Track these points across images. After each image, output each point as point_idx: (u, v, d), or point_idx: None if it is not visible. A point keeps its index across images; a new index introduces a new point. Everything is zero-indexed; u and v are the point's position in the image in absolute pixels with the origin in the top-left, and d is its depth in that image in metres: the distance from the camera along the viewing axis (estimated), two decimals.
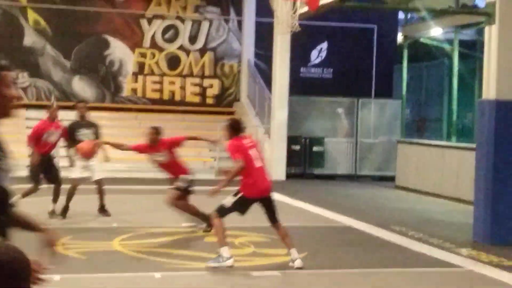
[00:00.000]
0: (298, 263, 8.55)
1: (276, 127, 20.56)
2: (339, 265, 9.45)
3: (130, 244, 10.02)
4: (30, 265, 2.31)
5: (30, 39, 22.26)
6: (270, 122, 20.85)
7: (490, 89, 11.26)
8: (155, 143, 11.20)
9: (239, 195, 8.82)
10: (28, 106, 21.58)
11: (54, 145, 12.80)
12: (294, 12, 13.00)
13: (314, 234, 11.83)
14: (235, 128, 9.90)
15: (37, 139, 12.43)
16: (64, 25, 22.32)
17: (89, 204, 14.14)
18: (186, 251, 9.62)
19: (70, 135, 12.68)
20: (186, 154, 20.50)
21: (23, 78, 22.17)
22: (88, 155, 12.01)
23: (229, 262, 8.52)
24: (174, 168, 11.15)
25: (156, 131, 11.51)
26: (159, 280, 8.16)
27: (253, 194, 8.85)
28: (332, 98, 22.41)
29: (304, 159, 21.31)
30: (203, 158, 20.83)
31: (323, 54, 24.41)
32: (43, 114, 20.53)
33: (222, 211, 8.83)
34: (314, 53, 24.30)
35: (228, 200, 8.86)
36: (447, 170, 17.09)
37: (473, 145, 13.45)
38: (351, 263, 9.60)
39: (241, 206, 8.86)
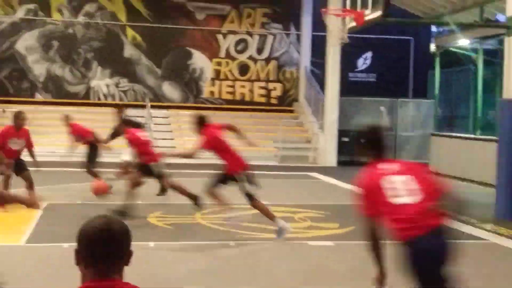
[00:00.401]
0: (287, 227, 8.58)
1: (328, 123, 20.49)
2: (382, 236, 9.35)
3: (209, 217, 10.10)
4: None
5: (128, 51, 22.60)
6: (324, 118, 20.76)
7: (509, 90, 11.05)
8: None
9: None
10: (127, 106, 21.94)
11: (19, 153, 10.49)
12: (344, 27, 12.90)
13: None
14: (203, 121, 9.24)
15: (3, 144, 10.21)
16: (155, 40, 22.58)
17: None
18: (254, 224, 9.65)
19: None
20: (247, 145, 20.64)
21: (124, 83, 22.54)
22: (100, 192, 10.91)
23: (288, 226, 8.54)
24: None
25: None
26: (233, 247, 8.21)
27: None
28: (375, 98, 22.22)
29: (352, 149, 21.16)
30: (269, 148, 20.85)
31: (368, 61, 24.20)
32: (140, 112, 20.97)
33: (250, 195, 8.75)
34: (360, 61, 24.10)
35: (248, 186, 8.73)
36: (473, 158, 16.81)
37: (495, 138, 13.20)
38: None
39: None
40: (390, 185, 4.12)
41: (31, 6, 21.98)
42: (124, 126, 11.09)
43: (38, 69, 22.05)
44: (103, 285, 2.15)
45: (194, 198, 10.00)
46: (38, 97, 22.01)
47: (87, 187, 13.23)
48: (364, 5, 11.85)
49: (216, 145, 9.00)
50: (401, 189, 4.10)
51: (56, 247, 7.68)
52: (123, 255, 2.23)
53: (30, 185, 10.41)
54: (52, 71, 22.13)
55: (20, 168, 10.38)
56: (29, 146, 10.62)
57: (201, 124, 9.23)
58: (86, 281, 2.19)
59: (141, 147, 10.28)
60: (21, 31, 21.92)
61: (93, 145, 12.73)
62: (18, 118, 10.34)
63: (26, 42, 21.97)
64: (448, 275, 3.99)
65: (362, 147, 4.83)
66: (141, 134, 10.93)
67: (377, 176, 4.25)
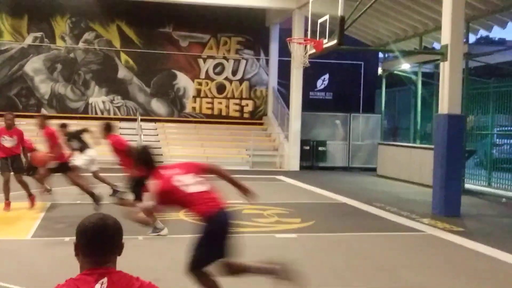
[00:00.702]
0: (164, 231, 8.16)
1: (292, 133, 20.55)
2: (337, 229, 9.42)
3: (191, 214, 10.04)
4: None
5: (122, 73, 22.45)
6: (288, 130, 20.83)
7: (444, 107, 11.21)
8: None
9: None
10: (121, 119, 21.81)
11: (12, 150, 10.13)
12: (305, 53, 12.98)
13: (320, 208, 11.80)
14: (110, 128, 9.46)
15: None
16: (145, 63, 22.48)
17: None
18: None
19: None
20: (227, 152, 20.64)
21: (118, 100, 22.37)
22: (40, 163, 10.42)
23: (164, 231, 8.12)
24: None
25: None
26: None
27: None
28: (331, 113, 22.36)
29: (312, 156, 21.27)
30: (242, 155, 20.85)
31: (326, 82, 24.32)
32: (131, 125, 20.83)
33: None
34: (319, 82, 24.21)
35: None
36: (413, 163, 16.98)
37: (431, 146, 13.34)
38: (345, 228, 9.57)
39: None
40: (180, 182, 4.54)
41: (38, 34, 21.73)
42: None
43: (44, 88, 21.79)
44: (99, 272, 2.15)
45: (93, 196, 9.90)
46: (44, 112, 21.72)
47: None
48: (323, 35, 11.94)
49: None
50: (190, 183, 4.55)
51: (58, 240, 7.60)
52: (116, 247, 2.23)
53: (21, 184, 10.19)
54: (56, 90, 21.88)
55: (13, 167, 10.10)
56: (21, 144, 10.37)
57: (108, 130, 9.51)
58: (85, 269, 2.18)
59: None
60: (29, 55, 21.66)
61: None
62: (6, 118, 10.20)
63: (33, 65, 21.71)
64: (231, 241, 4.65)
65: (137, 164, 4.98)
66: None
67: (168, 179, 4.57)
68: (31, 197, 10.28)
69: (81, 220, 2.23)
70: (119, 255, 2.25)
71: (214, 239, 4.59)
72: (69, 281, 2.14)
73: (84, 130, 12.23)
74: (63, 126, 11.93)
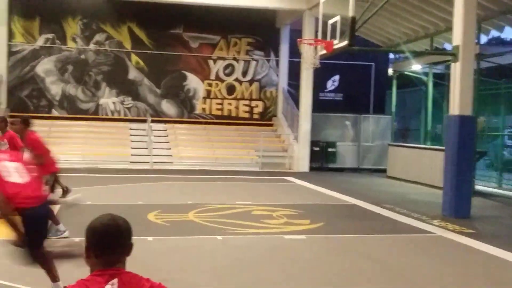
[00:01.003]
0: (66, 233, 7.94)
1: (302, 134, 20.54)
2: (346, 231, 9.41)
3: (200, 215, 10.10)
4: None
5: (132, 74, 22.55)
6: (298, 131, 20.82)
7: (455, 108, 11.16)
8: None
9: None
10: (131, 120, 21.92)
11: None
12: (316, 54, 12.98)
13: (329, 209, 11.79)
14: (28, 123, 8.51)
15: None
16: (156, 64, 22.55)
17: (171, 188, 14.31)
18: (239, 221, 9.66)
19: None
20: (237, 153, 20.68)
21: (128, 101, 22.48)
22: None
23: (66, 233, 7.93)
24: None
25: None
26: (220, 241, 8.22)
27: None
28: (341, 114, 22.33)
29: (322, 157, 21.24)
30: (251, 156, 20.87)
31: (336, 83, 24.31)
32: (142, 126, 20.94)
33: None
34: (329, 83, 24.21)
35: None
36: (424, 164, 16.91)
37: (442, 147, 13.29)
38: (355, 230, 9.56)
39: None
40: (4, 168, 4.77)
41: (49, 35, 21.87)
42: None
43: (55, 89, 21.93)
44: (109, 273, 2.15)
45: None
46: (54, 113, 21.89)
47: (95, 190, 13.20)
48: (333, 35, 11.94)
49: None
50: (12, 172, 4.78)
51: (69, 241, 7.62)
52: (126, 247, 2.23)
53: None
54: (67, 91, 22.02)
55: None
56: (13, 148, 10.13)
57: (27, 125, 8.56)
58: (95, 270, 2.18)
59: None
60: (41, 56, 21.80)
61: None
62: None
63: (44, 66, 21.85)
64: (46, 231, 5.15)
65: None
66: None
67: None
68: None
69: (91, 221, 2.23)
70: (128, 255, 2.27)
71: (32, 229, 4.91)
72: (79, 282, 2.15)
73: None
74: None
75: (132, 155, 19.79)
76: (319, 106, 21.86)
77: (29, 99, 21.75)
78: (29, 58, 21.73)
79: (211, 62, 23.14)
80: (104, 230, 2.19)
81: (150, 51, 22.43)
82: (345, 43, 11.35)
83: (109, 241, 2.18)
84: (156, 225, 9.19)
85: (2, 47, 20.87)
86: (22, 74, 21.66)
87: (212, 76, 23.18)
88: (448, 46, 18.28)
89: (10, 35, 21.38)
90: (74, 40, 22.07)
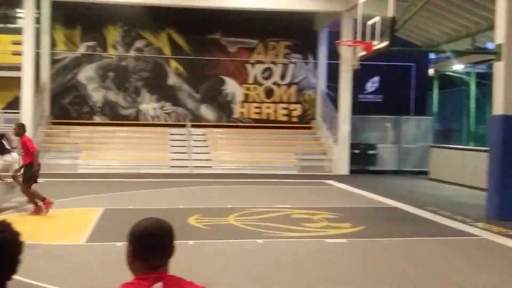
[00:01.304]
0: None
1: (341, 137, 20.40)
2: (389, 234, 9.29)
3: (240, 219, 10.13)
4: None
5: (172, 80, 22.82)
6: (337, 133, 20.69)
7: (498, 107, 10.93)
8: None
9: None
10: (171, 125, 22.18)
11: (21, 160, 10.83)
12: (355, 55, 12.92)
13: (370, 213, 11.67)
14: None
15: None
16: (194, 69, 22.77)
17: (211, 192, 14.40)
18: (279, 224, 9.65)
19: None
20: (275, 157, 20.66)
21: (168, 107, 22.76)
22: None
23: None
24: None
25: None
26: (261, 244, 8.22)
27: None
28: (382, 116, 22.09)
29: (362, 160, 21.04)
30: (290, 159, 20.83)
31: (376, 84, 24.07)
32: (181, 131, 21.17)
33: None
34: (369, 84, 23.99)
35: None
36: (467, 166, 16.59)
37: (486, 148, 13.02)
38: (397, 232, 9.43)
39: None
40: None
41: (91, 43, 22.34)
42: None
43: (96, 95, 22.37)
44: (153, 277, 2.16)
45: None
46: (96, 119, 22.33)
47: (136, 195, 13.40)
48: (372, 37, 11.84)
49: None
50: None
51: (111, 245, 7.76)
52: (170, 251, 2.25)
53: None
54: (108, 97, 22.44)
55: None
56: (24, 153, 10.47)
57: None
58: (139, 274, 2.20)
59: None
60: (82, 64, 22.29)
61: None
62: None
63: (86, 73, 22.32)
64: None
65: None
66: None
67: None
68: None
69: (135, 225, 2.25)
70: (171, 258, 2.28)
71: None
72: (123, 286, 2.18)
73: (3, 136, 11.85)
74: None
75: (172, 159, 20.01)
76: (358, 108, 21.68)
77: (71, 106, 22.24)
78: (71, 65, 22.23)
79: (249, 66, 23.23)
80: (150, 233, 2.21)
81: (188, 57, 22.65)
82: (385, 44, 11.25)
83: (155, 244, 2.20)
84: (197, 229, 9.25)
85: (45, 56, 21.42)
86: (64, 82, 22.17)
87: (250, 80, 23.26)
88: (490, 45, 17.90)
89: (53, 43, 21.92)
90: (114, 47, 22.48)
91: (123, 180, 16.36)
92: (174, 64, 22.69)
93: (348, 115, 20.34)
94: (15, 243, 2.00)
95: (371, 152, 21.06)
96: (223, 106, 23.12)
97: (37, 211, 10.20)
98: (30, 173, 10.16)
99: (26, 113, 18.51)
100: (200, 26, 22.37)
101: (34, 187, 10.37)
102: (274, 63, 23.36)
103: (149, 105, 22.66)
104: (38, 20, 20.42)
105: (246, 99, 23.26)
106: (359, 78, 20.99)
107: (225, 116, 23.10)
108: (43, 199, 10.22)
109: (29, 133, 18.84)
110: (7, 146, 11.69)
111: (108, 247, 7.76)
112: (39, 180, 10.64)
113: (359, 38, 12.76)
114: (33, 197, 10.24)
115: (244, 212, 10.85)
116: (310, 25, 23.05)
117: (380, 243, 8.59)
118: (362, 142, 21.20)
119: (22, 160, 10.59)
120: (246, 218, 10.26)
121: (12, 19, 21.94)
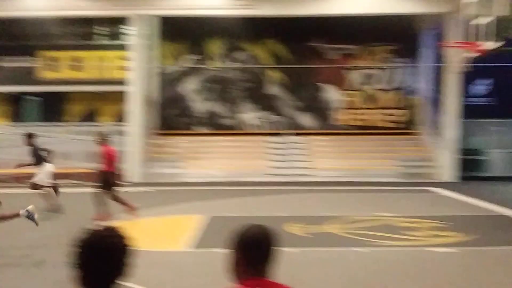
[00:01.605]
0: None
1: (447, 142, 19.64)
2: (502, 243, 8.77)
3: (342, 227, 9.99)
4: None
5: (271, 89, 23.07)
6: (443, 138, 19.92)
7: None
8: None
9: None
10: (271, 134, 22.38)
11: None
12: (465, 57, 12.42)
13: (482, 221, 11.06)
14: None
15: None
16: (293, 78, 22.88)
17: (311, 199, 14.35)
18: (382, 233, 9.41)
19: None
20: (377, 164, 20.20)
21: (268, 115, 23.03)
22: None
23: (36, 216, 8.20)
24: None
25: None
26: (365, 253, 8.05)
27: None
28: (492, 119, 20.99)
29: (470, 166, 20.10)
30: (392, 166, 20.30)
31: (486, 87, 22.87)
32: (282, 139, 21.32)
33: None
34: (477, 87, 22.83)
35: None
36: None
37: None
38: (508, 241, 8.89)
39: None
40: None
41: (194, 56, 23.16)
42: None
43: (200, 106, 23.09)
44: (256, 282, 2.20)
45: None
46: (200, 129, 23.01)
47: (237, 202, 13.62)
48: (482, 37, 11.33)
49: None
50: None
51: (215, 252, 7.89)
52: (274, 257, 2.28)
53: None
54: (211, 108, 23.09)
55: None
56: (102, 161, 10.72)
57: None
58: (242, 279, 2.23)
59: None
60: (186, 76, 23.12)
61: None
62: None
63: (191, 85, 23.16)
64: None
65: None
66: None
67: None
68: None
69: (240, 232, 2.29)
70: (274, 265, 2.30)
71: None
72: None
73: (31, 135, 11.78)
74: (30, 136, 11.70)
75: (272, 167, 20.18)
76: (465, 111, 20.74)
77: (176, 117, 23.10)
78: (177, 78, 23.12)
79: (349, 72, 22.98)
80: (257, 240, 2.26)
81: (288, 66, 22.80)
82: (498, 44, 10.70)
83: (261, 251, 2.25)
84: (298, 237, 9.23)
85: (152, 70, 22.42)
86: (171, 94, 23.09)
87: (350, 86, 22.99)
88: None
89: (161, 58, 22.94)
90: (216, 59, 23.11)
91: (225, 188, 16.70)
92: (273, 73, 22.92)
93: (454, 119, 19.54)
94: (122, 248, 2.05)
95: (480, 157, 20.08)
96: (323, 114, 23.01)
97: (131, 209, 10.67)
98: (110, 181, 10.55)
99: (135, 125, 19.45)
100: (298, 35, 22.45)
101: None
102: (374, 68, 22.95)
103: (250, 115, 23.03)
104: (144, 35, 21.41)
105: (346, 106, 23.00)
106: (468, 80, 20.09)
107: (325, 124, 22.97)
108: (126, 205, 10.72)
109: (136, 143, 19.81)
110: (44, 156, 11.78)
111: (212, 254, 7.92)
112: (124, 188, 11.07)
113: (466, 39, 12.24)
114: (122, 201, 10.70)
115: (346, 220, 10.71)
116: (411, 28, 22.40)
117: (493, 253, 8.13)
118: (470, 147, 20.27)
119: (101, 167, 10.63)
120: (348, 226, 10.12)
121: (117, 36, 23.14)
